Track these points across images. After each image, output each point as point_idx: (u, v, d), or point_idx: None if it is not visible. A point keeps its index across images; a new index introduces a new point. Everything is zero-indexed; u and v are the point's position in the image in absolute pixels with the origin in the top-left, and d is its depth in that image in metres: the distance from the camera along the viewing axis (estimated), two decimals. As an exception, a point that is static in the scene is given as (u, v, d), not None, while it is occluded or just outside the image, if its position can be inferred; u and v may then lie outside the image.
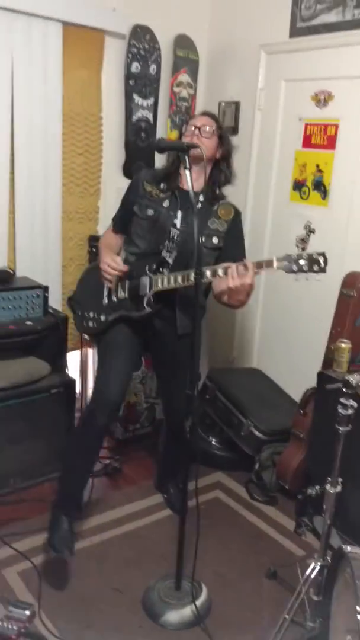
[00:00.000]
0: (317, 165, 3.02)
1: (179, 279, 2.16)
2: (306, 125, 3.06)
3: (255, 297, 3.46)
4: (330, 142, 2.94)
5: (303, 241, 3.17)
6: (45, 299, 2.82)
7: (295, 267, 1.95)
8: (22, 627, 1.99)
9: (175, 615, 2.10)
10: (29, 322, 2.72)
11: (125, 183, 3.26)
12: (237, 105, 3.42)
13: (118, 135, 3.32)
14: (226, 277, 2.01)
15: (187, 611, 2.11)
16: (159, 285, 2.22)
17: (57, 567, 2.32)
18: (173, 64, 3.41)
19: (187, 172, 1.85)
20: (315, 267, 1.95)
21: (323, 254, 1.98)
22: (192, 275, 2.07)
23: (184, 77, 3.48)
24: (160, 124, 3.44)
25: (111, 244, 2.46)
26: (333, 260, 3.00)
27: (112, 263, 2.28)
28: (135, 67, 3.24)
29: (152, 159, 3.46)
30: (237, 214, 2.42)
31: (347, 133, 2.87)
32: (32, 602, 2.12)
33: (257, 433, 2.94)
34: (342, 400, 1.80)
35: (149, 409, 3.36)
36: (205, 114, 2.36)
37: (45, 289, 2.82)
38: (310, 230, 3.13)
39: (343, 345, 2.56)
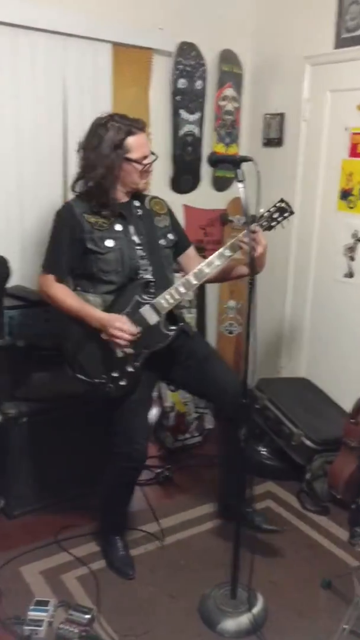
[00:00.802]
0: (365, 175, 3.03)
1: (181, 289, 2.17)
2: (352, 134, 3.06)
3: (303, 307, 3.48)
4: (378, 151, 2.95)
5: (351, 250, 3.17)
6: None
7: (274, 223, 2.19)
8: (82, 631, 2.06)
9: (232, 624, 2.11)
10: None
11: (175, 197, 3.33)
12: (282, 116, 3.45)
13: (165, 149, 3.40)
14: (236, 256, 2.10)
15: (244, 619, 2.12)
16: (165, 306, 2.18)
17: (114, 573, 2.37)
18: (218, 79, 3.48)
19: (241, 186, 1.89)
20: (286, 214, 2.19)
21: (282, 200, 2.19)
22: (192, 279, 2.16)
23: (229, 91, 3.53)
24: (206, 138, 3.50)
25: (76, 297, 2.20)
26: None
27: (125, 326, 2.09)
28: (181, 83, 3.32)
29: (198, 172, 3.53)
30: (166, 202, 2.44)
31: (395, 141, 2.87)
32: (91, 606, 2.17)
33: (308, 442, 2.94)
34: None
35: (199, 419, 3.39)
36: (140, 129, 2.18)
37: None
38: (358, 239, 3.12)
39: None
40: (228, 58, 3.49)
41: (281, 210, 2.19)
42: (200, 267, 2.18)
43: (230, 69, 3.51)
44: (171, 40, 3.23)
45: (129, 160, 2.14)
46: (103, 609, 2.18)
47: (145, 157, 2.18)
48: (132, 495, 2.49)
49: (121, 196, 2.24)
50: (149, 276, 2.22)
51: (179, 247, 2.42)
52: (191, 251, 2.47)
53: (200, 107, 3.43)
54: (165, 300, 2.17)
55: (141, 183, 2.23)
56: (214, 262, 2.17)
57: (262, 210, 2.17)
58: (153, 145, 3.26)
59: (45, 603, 2.14)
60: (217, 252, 2.18)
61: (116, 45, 3.01)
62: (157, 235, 2.31)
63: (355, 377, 3.19)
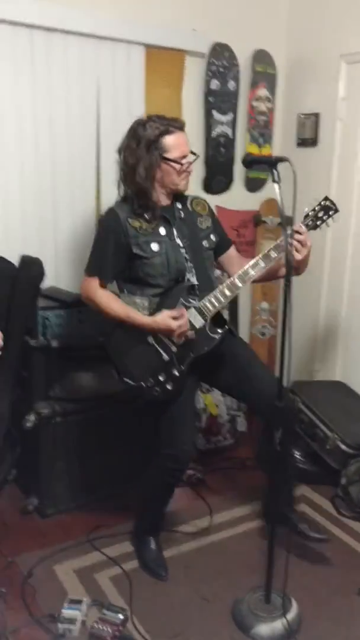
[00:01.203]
0: None
1: (227, 292, 2.17)
2: (389, 133, 3.01)
3: (337, 310, 3.43)
4: None
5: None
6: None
7: (319, 222, 2.18)
8: (116, 630, 2.05)
9: (266, 629, 2.08)
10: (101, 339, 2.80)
11: (207, 198, 3.30)
12: (316, 116, 3.41)
13: (198, 150, 3.33)
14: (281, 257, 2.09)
15: (278, 625, 2.08)
16: (210, 309, 2.18)
17: (147, 574, 2.37)
18: (251, 79, 3.46)
19: (277, 186, 1.87)
20: (332, 212, 2.18)
21: (327, 198, 2.19)
22: (237, 281, 2.16)
23: (262, 92, 3.51)
24: (238, 139, 3.49)
25: (120, 301, 2.21)
26: None
27: (179, 321, 2.10)
28: (214, 84, 3.31)
29: (230, 173, 3.51)
30: (207, 203, 2.42)
31: None
32: (124, 606, 2.17)
33: (343, 447, 2.89)
34: None
35: (231, 421, 3.37)
36: (179, 128, 2.17)
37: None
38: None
39: None
40: (261, 58, 3.47)
41: (326, 209, 2.18)
42: (246, 269, 2.17)
43: (264, 69, 3.49)
44: (204, 41, 3.22)
45: (167, 160, 2.13)
46: (135, 610, 2.18)
47: (184, 157, 2.16)
48: (171, 496, 2.48)
49: (163, 199, 2.23)
50: (193, 279, 2.22)
51: (221, 247, 2.40)
52: (232, 251, 2.45)
53: (233, 108, 3.41)
54: (211, 303, 2.18)
55: (181, 184, 2.21)
56: (259, 264, 2.16)
57: (306, 210, 2.16)
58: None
59: (78, 602, 2.15)
60: (262, 254, 2.17)
61: (149, 47, 3.02)
62: (200, 236, 2.30)
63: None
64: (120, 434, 2.84)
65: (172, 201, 2.27)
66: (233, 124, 3.43)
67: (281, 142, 3.66)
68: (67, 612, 2.11)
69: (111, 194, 3.01)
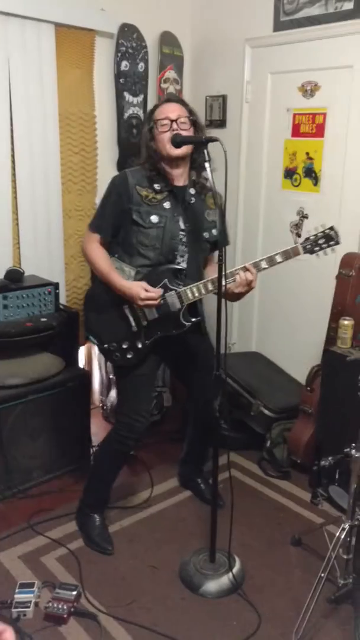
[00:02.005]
0: (307, 153, 3.16)
1: (209, 286, 2.21)
2: (294, 115, 3.19)
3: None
4: (319, 131, 3.08)
5: (297, 227, 3.31)
6: (57, 295, 2.89)
7: (317, 248, 2.17)
8: (71, 607, 2.10)
9: (214, 585, 2.21)
10: (43, 319, 2.79)
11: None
12: (224, 98, 3.53)
13: (111, 132, 3.40)
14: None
15: (224, 580, 2.23)
16: (190, 297, 2.24)
17: (93, 551, 2.42)
18: (159, 61, 3.50)
19: (207, 165, 1.96)
20: (332, 242, 2.18)
21: (332, 228, 2.18)
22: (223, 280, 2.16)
23: (170, 74, 3.57)
24: (150, 120, 3.53)
25: (108, 261, 2.29)
26: (327, 243, 3.16)
27: (149, 293, 2.16)
28: (124, 65, 3.32)
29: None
30: (220, 197, 2.40)
31: (334, 121, 3.01)
32: (75, 583, 2.21)
33: (266, 412, 3.08)
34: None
35: (157, 398, 3.46)
36: (171, 100, 2.28)
37: (56, 285, 2.89)
38: (303, 216, 3.27)
39: (346, 322, 2.71)
40: (168, 40, 3.52)
41: (327, 237, 2.18)
42: (232, 271, 2.21)
43: (171, 51, 3.54)
44: (112, 22, 3.21)
45: (152, 126, 2.21)
46: (87, 586, 2.23)
47: (164, 119, 2.19)
48: (120, 469, 2.55)
49: (177, 176, 2.26)
50: (183, 264, 2.28)
51: (217, 244, 2.37)
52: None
53: (143, 90, 3.44)
54: (192, 292, 2.23)
55: (166, 147, 2.17)
56: (236, 276, 2.21)
57: (310, 233, 2.21)
58: (99, 129, 3.31)
59: (30, 585, 2.16)
60: (241, 266, 2.22)
61: (58, 26, 2.98)
62: (203, 227, 2.33)
63: (302, 348, 3.35)
64: (53, 420, 2.84)
65: (186, 184, 2.29)
66: (144, 105, 3.46)
67: (190, 124, 3.74)
68: (19, 597, 2.11)
69: (28, 173, 3.00)
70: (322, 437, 2.82)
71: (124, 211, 2.23)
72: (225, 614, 2.13)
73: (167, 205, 2.24)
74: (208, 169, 1.97)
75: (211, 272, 2.38)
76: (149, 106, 3.49)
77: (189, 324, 2.30)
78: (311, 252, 2.20)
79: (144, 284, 2.19)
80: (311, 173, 3.16)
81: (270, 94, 3.29)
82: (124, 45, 3.29)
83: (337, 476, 2.68)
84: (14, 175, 2.98)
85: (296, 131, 3.19)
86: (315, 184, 3.16)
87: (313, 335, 3.16)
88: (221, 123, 3.56)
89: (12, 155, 2.96)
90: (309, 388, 2.95)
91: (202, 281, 2.23)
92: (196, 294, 2.23)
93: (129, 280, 2.23)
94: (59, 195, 3.18)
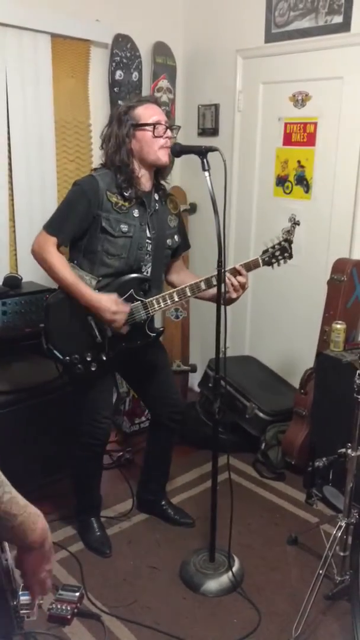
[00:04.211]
0: (299, 161, 3.24)
1: (175, 296, 2.21)
2: (286, 124, 3.26)
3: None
4: (310, 139, 3.16)
5: (289, 233, 3.37)
6: (54, 301, 2.91)
7: (274, 260, 2.25)
8: (74, 608, 2.11)
9: (214, 584, 2.26)
10: (42, 325, 2.81)
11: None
12: (216, 107, 3.60)
13: (105, 140, 3.44)
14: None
15: (224, 579, 2.27)
16: (156, 308, 2.22)
17: (94, 553, 2.46)
18: (153, 71, 3.56)
19: (207, 174, 2.01)
20: (286, 254, 2.26)
21: (287, 240, 2.27)
22: (188, 291, 2.22)
23: (163, 83, 3.63)
24: (144, 129, 3.58)
25: (72, 270, 2.17)
26: (318, 249, 3.26)
27: (119, 307, 2.13)
28: (118, 74, 3.38)
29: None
30: (179, 202, 2.46)
31: (325, 130, 3.09)
32: (78, 585, 2.24)
33: (261, 414, 3.14)
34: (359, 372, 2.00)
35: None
36: (154, 102, 2.25)
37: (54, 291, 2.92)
38: (295, 223, 3.31)
39: (339, 326, 2.78)
40: (161, 50, 3.59)
41: (282, 250, 2.25)
42: (198, 282, 2.22)
43: (164, 60, 3.61)
44: (107, 32, 3.27)
45: (139, 126, 2.15)
46: (89, 587, 2.27)
47: (158, 123, 2.16)
48: (100, 475, 2.58)
49: (145, 181, 2.23)
50: (147, 273, 2.28)
51: (177, 250, 2.44)
52: (185, 255, 2.52)
53: (137, 98, 3.50)
54: (158, 302, 2.22)
55: (160, 154, 2.18)
56: (213, 281, 2.17)
57: (267, 245, 2.27)
58: (94, 137, 3.36)
59: (33, 587, 2.19)
60: (229, 268, 2.23)
61: (55, 37, 3.03)
62: (166, 234, 2.33)
63: (295, 352, 3.42)
64: (50, 424, 2.86)
65: (152, 189, 2.28)
66: (138, 114, 3.52)
67: (183, 132, 3.79)
68: (23, 599, 2.12)
69: (25, 180, 3.03)
70: (316, 438, 2.88)
71: (93, 217, 2.15)
72: (226, 612, 2.17)
73: (135, 213, 2.21)
74: (208, 178, 2.02)
75: (187, 279, 2.36)
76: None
77: (154, 334, 2.31)
78: (269, 264, 2.26)
79: (114, 297, 2.15)
80: (303, 181, 3.24)
81: (262, 104, 3.37)
82: (119, 55, 3.35)
83: (331, 477, 2.75)
84: (10, 182, 3.02)
85: (288, 140, 3.27)
86: (307, 191, 3.23)
87: (306, 339, 3.23)
88: (214, 132, 3.64)
89: (9, 163, 2.99)
90: (302, 391, 3.01)
91: (168, 292, 2.23)
92: (162, 305, 2.22)
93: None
94: (55, 201, 3.21)
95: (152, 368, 2.50)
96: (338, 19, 2.90)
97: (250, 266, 2.25)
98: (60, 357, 2.25)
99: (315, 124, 3.12)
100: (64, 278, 2.14)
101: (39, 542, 1.05)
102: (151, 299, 2.22)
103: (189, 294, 2.23)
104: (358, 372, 2.01)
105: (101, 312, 2.14)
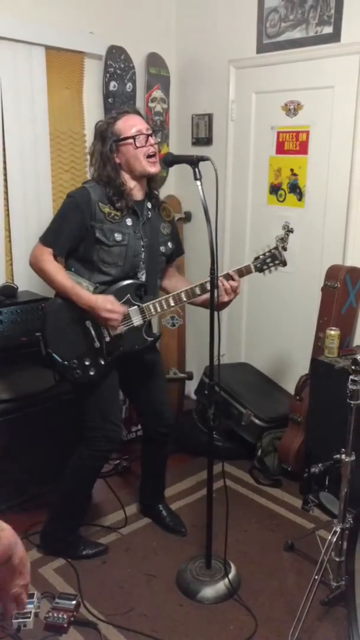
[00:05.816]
0: (292, 170, 3.27)
1: (171, 301, 2.24)
2: (278, 133, 3.30)
3: (240, 296, 3.68)
4: (303, 148, 3.19)
5: (282, 240, 3.39)
6: (50, 310, 2.93)
7: (265, 267, 2.27)
8: (71, 616, 2.12)
9: (211, 591, 2.26)
10: (38, 334, 2.83)
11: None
12: (209, 117, 3.63)
13: (100, 150, 3.47)
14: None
15: (221, 586, 2.28)
16: (153, 312, 2.25)
17: (91, 561, 2.46)
18: (147, 81, 3.60)
19: (199, 184, 2.03)
20: (277, 262, 2.29)
21: (277, 247, 2.31)
22: (183, 296, 2.25)
23: (157, 93, 3.67)
24: (138, 138, 3.62)
25: (68, 275, 2.23)
26: (312, 256, 3.29)
27: (114, 306, 2.16)
28: (112, 85, 3.41)
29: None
30: (172, 210, 2.50)
31: (317, 138, 3.12)
32: (75, 593, 2.24)
33: (257, 421, 3.15)
34: (352, 377, 2.02)
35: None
36: (133, 112, 2.28)
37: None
38: (289, 230, 3.34)
39: (333, 332, 2.80)
40: (155, 61, 3.62)
41: (273, 257, 2.28)
42: (194, 288, 2.25)
43: (158, 71, 3.65)
44: (101, 44, 3.30)
45: (122, 140, 2.19)
46: (86, 595, 2.27)
47: (139, 133, 2.19)
48: (92, 488, 2.55)
49: (136, 191, 2.27)
50: (143, 278, 2.31)
51: (171, 256, 2.49)
52: (179, 262, 2.56)
53: (131, 109, 3.53)
54: (154, 307, 2.24)
55: (147, 165, 2.21)
56: (208, 286, 2.16)
57: (259, 252, 2.30)
58: (87, 147, 3.37)
59: (29, 596, 2.16)
60: (223, 273, 2.26)
61: (49, 49, 3.06)
62: (159, 241, 2.37)
63: (290, 358, 3.44)
64: (47, 433, 2.87)
65: (144, 198, 2.32)
66: (132, 124, 3.55)
67: (177, 142, 3.85)
68: None
69: (20, 190, 3.06)
70: (312, 444, 2.89)
71: (86, 228, 2.20)
72: (223, 618, 2.18)
73: (129, 222, 2.25)
74: (199, 187, 2.04)
75: (179, 284, 2.42)
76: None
77: (152, 339, 2.33)
78: (261, 270, 2.29)
79: (111, 297, 2.18)
80: (296, 189, 3.27)
81: (255, 113, 3.40)
82: (112, 66, 3.38)
83: (327, 482, 2.76)
84: (6, 192, 3.04)
85: (280, 148, 3.30)
86: (300, 199, 3.26)
87: (300, 346, 3.25)
88: (207, 141, 3.67)
89: (5, 173, 3.02)
90: (298, 397, 3.02)
91: (164, 296, 2.26)
92: (159, 310, 2.25)
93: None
94: (50, 211, 3.24)
95: (145, 375, 2.52)
96: (328, 30, 2.94)
97: (243, 272, 2.28)
98: (61, 361, 2.27)
99: (308, 132, 3.16)
100: (62, 283, 2.19)
101: (2, 557, 0.98)
102: (148, 303, 2.26)
103: (184, 299, 2.26)
104: (351, 377, 2.03)
105: (97, 311, 2.16)
